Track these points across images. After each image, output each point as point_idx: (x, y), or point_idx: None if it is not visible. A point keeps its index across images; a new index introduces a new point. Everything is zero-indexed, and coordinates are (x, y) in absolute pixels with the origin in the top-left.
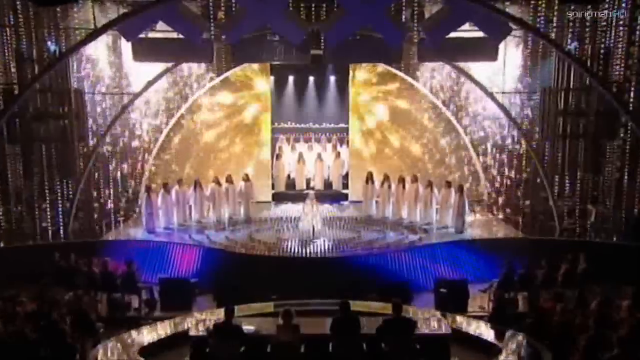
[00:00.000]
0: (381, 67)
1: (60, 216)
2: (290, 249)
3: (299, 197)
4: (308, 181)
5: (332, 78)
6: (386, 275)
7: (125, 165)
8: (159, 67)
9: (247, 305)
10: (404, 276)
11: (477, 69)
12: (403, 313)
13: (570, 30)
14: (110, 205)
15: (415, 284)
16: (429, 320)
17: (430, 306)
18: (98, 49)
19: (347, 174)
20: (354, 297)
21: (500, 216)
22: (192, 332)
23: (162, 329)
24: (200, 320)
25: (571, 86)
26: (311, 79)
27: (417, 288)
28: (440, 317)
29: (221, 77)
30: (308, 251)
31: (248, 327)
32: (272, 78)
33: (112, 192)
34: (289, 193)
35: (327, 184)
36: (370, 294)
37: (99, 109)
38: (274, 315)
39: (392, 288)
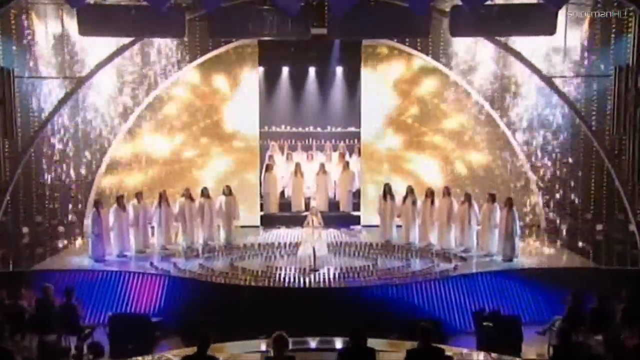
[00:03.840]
0: (401, 49)
1: None
2: (284, 278)
3: (296, 220)
4: (307, 200)
5: (339, 69)
6: (410, 311)
7: (67, 172)
8: (113, 43)
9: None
10: (434, 313)
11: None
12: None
13: None
14: (45, 224)
15: (450, 325)
16: (468, 358)
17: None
18: (33, 19)
19: (358, 191)
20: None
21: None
22: None
23: None
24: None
25: None
26: (312, 70)
27: (451, 329)
28: (485, 356)
29: (196, 62)
30: (307, 281)
31: None
32: (260, 69)
33: (48, 208)
34: (282, 215)
35: (333, 204)
36: (390, 334)
37: (33, 97)
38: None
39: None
